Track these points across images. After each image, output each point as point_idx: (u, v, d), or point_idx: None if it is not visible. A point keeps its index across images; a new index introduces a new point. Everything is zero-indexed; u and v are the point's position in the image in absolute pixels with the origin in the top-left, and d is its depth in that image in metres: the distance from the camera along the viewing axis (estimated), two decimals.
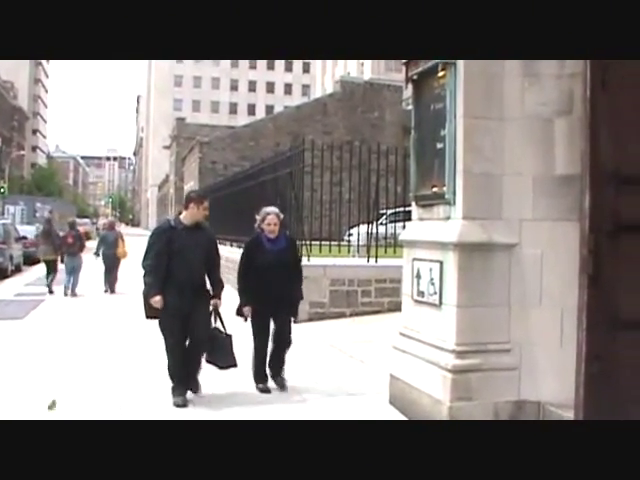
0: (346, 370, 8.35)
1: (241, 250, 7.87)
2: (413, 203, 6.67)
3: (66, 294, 16.50)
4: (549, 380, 5.72)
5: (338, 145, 14.01)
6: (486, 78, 5.77)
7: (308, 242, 12.90)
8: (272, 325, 7.31)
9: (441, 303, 5.90)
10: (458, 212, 5.79)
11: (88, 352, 9.22)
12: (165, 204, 62.16)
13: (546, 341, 5.76)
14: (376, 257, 13.04)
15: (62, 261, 17.14)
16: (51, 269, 17.33)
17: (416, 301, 6.37)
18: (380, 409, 6.56)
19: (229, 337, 6.94)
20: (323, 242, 14.68)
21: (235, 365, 6.95)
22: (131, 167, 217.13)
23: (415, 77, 6.39)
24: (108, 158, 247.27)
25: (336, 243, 14.28)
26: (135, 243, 20.02)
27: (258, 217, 7.38)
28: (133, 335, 10.38)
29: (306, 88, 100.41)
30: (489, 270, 5.79)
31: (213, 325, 6.92)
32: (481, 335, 5.77)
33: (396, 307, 7.39)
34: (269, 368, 7.37)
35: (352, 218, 13.98)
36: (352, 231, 15.14)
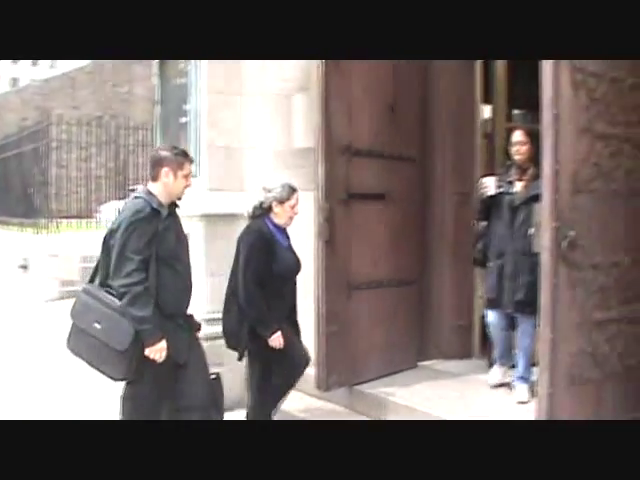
0: None
1: None
2: None
3: None
4: None
5: (88, 120, 13.64)
6: None
7: (58, 220, 12.52)
8: None
9: None
10: (203, 184, 5.95)
11: None
12: None
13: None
14: None
15: None
16: None
17: None
18: None
19: (218, 380, 4.50)
20: (74, 219, 14.25)
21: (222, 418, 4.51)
22: None
23: None
24: None
25: (86, 220, 13.97)
26: None
27: (271, 194, 4.76)
28: None
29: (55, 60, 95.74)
30: (234, 239, 6.01)
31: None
32: None
33: None
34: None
35: (103, 195, 13.72)
36: (102, 208, 14.89)
